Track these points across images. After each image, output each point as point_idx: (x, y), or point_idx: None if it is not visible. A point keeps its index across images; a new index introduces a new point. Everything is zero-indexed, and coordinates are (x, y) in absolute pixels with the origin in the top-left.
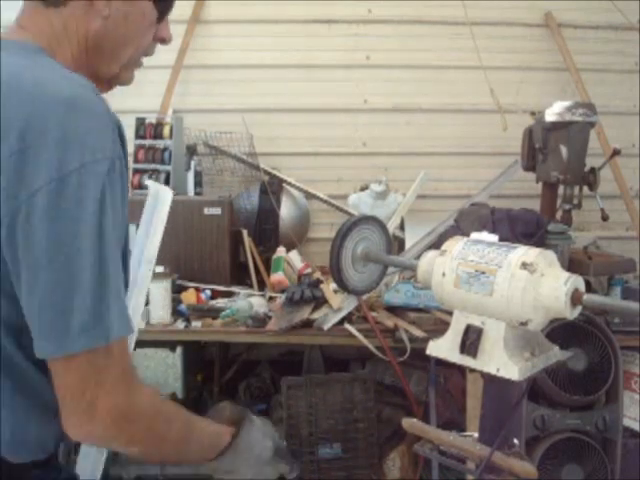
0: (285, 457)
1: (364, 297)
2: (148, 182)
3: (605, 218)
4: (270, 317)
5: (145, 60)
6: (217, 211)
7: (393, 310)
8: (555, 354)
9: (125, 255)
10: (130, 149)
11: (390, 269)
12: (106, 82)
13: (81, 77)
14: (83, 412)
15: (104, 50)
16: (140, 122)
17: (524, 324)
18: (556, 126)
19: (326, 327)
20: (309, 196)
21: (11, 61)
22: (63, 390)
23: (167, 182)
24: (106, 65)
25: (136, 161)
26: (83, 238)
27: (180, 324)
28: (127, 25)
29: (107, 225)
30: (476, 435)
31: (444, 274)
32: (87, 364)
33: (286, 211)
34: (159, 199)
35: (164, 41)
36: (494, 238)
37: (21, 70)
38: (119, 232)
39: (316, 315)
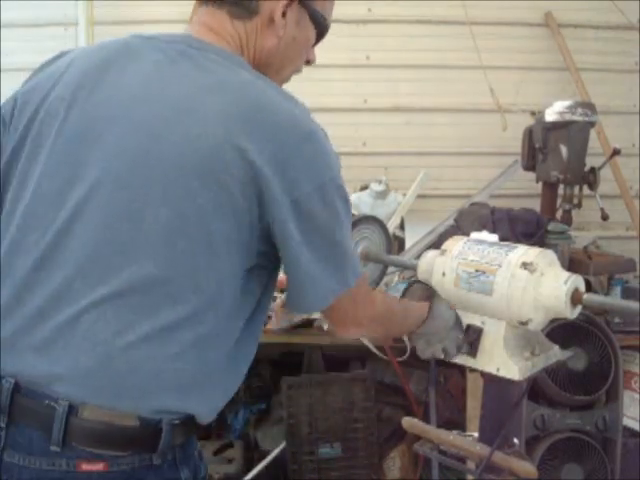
0: (460, 326)
1: None
2: None
3: (605, 218)
4: (270, 317)
5: None
6: None
7: None
8: (555, 354)
9: None
10: None
11: (390, 269)
12: None
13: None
14: (352, 323)
15: (272, 67)
16: None
17: (524, 324)
18: (556, 126)
19: (326, 327)
20: None
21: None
22: (342, 313)
23: None
24: (272, 78)
25: None
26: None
27: None
28: (294, 47)
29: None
30: (476, 435)
31: (444, 274)
32: (350, 295)
33: None
34: None
35: (310, 63)
36: (494, 238)
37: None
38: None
39: (316, 315)
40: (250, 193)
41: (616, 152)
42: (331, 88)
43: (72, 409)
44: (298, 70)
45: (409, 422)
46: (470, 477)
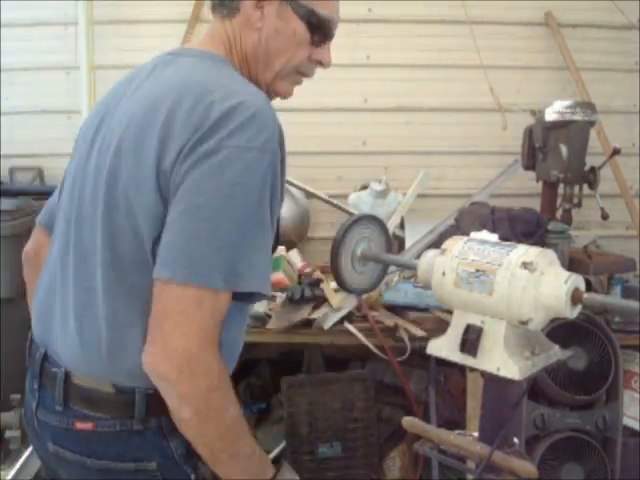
0: None
1: (364, 296)
2: None
3: (605, 217)
4: (270, 316)
5: (142, 59)
6: None
7: (393, 309)
8: (555, 353)
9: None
10: None
11: (390, 268)
12: (265, 92)
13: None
14: (157, 340)
15: (259, 59)
16: None
17: (524, 323)
18: (556, 125)
19: (326, 326)
20: (309, 195)
21: (195, 68)
22: (157, 312)
23: None
24: (261, 73)
25: None
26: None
27: None
28: (278, 39)
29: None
30: (476, 434)
31: (444, 273)
32: (193, 295)
33: (286, 210)
34: None
35: (322, 64)
36: (494, 237)
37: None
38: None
39: (316, 314)
40: None
41: (616, 152)
42: (331, 88)
43: (67, 375)
44: (303, 72)
45: (409, 422)
46: (470, 477)
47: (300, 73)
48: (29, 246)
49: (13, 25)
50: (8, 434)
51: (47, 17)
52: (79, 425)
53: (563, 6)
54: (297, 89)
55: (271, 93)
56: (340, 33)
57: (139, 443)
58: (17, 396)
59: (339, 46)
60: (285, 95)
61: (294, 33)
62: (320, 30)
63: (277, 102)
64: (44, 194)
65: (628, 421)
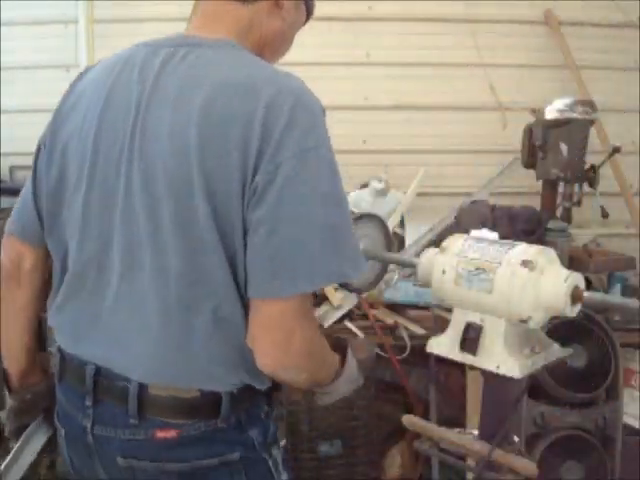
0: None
1: (364, 295)
2: None
3: (605, 216)
4: None
5: None
6: None
7: (393, 308)
8: (555, 351)
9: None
10: None
11: (390, 267)
12: None
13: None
14: (280, 343)
15: (275, 46)
16: None
17: (524, 321)
18: (556, 123)
19: (326, 324)
20: None
21: (230, 60)
22: (265, 326)
23: None
24: (271, 59)
25: None
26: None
27: None
28: (292, 30)
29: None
30: (476, 432)
31: (444, 272)
32: (292, 305)
33: None
34: None
35: None
36: (494, 235)
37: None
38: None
39: (316, 312)
40: None
41: (616, 150)
42: (331, 86)
43: (142, 387)
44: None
45: (409, 420)
46: (470, 475)
47: None
48: (4, 258)
49: (13, 24)
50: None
51: (47, 16)
52: (160, 434)
53: (563, 4)
54: None
55: None
56: (340, 31)
57: (222, 438)
58: None
59: (339, 44)
60: None
61: (301, 22)
62: (308, 18)
63: None
64: None
65: (628, 419)
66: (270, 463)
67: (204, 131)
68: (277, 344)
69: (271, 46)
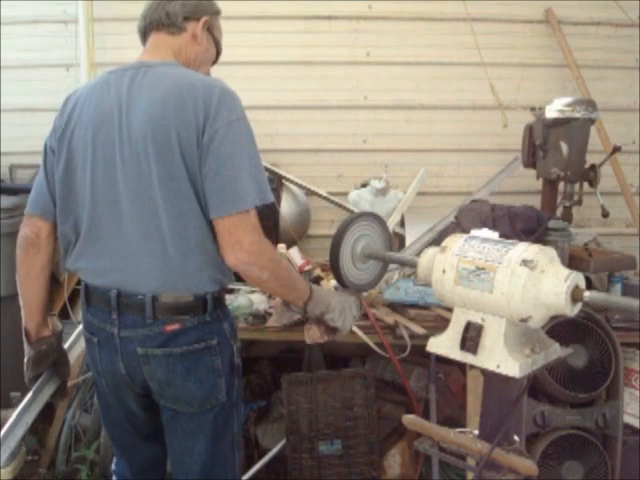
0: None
1: (364, 294)
2: None
3: (605, 215)
4: (270, 314)
5: None
6: None
7: (393, 307)
8: (555, 351)
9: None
10: None
11: (390, 266)
12: None
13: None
14: (233, 245)
15: (197, 63)
16: None
17: (524, 321)
18: (556, 123)
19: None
20: (309, 193)
21: (174, 71)
22: (226, 235)
23: None
24: (198, 70)
25: None
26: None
27: None
28: (207, 55)
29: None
30: (476, 432)
31: (444, 271)
32: (238, 219)
33: (286, 208)
34: None
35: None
36: (494, 235)
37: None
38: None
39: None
40: None
41: (616, 149)
42: (331, 85)
43: (154, 297)
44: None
45: (409, 419)
46: (470, 474)
47: None
48: (27, 231)
49: (13, 22)
50: None
51: (47, 14)
52: (168, 327)
53: (563, 3)
54: (297, 87)
55: None
56: (340, 30)
57: (207, 328)
58: (17, 394)
59: (339, 43)
60: None
61: (212, 53)
62: (219, 53)
63: (277, 100)
64: None
65: (628, 419)
66: (234, 349)
67: (170, 110)
68: (232, 246)
69: (194, 62)
